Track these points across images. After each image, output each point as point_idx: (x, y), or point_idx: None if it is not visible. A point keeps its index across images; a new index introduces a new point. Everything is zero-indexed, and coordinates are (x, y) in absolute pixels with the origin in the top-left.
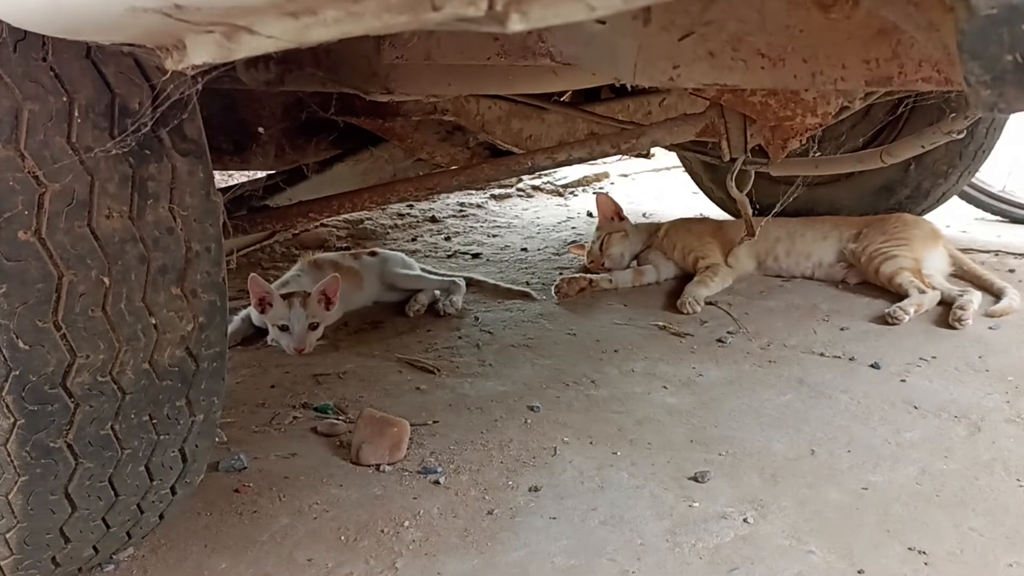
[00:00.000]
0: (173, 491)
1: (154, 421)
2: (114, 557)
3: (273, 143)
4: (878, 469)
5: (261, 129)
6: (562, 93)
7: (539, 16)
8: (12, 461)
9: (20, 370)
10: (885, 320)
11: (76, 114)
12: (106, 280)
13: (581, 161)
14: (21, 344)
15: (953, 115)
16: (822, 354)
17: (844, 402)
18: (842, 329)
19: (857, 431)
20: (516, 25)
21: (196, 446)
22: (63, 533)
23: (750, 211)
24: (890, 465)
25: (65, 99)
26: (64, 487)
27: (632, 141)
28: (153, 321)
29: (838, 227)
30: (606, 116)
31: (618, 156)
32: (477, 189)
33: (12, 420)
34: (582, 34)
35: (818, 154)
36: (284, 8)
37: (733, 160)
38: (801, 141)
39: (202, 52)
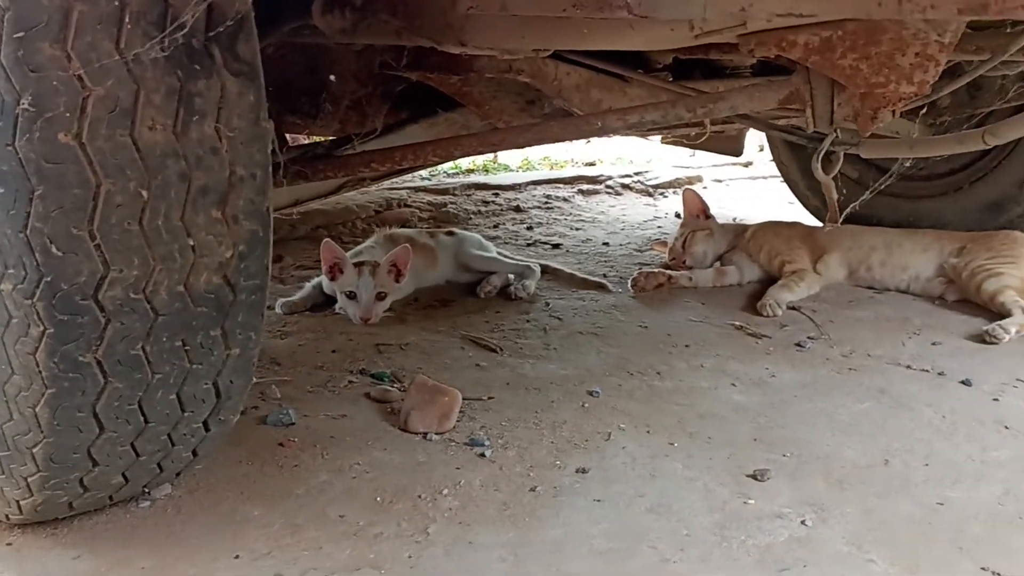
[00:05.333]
0: (206, 427)
1: (187, 348)
2: (150, 494)
3: (353, 108)
4: (957, 485)
5: (332, 77)
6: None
7: None
8: (40, 372)
9: (52, 277)
10: (983, 338)
11: (127, 19)
12: (144, 193)
13: (655, 125)
14: (54, 250)
15: None
16: (909, 366)
17: (928, 415)
18: (934, 344)
19: (939, 445)
20: None
21: (231, 382)
22: (90, 454)
23: (835, 195)
24: (971, 482)
25: (116, 3)
26: (92, 405)
27: (709, 106)
28: (190, 242)
29: (940, 240)
30: (691, 88)
31: (712, 161)
32: (564, 183)
33: (42, 328)
34: None
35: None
36: None
37: (820, 140)
38: (894, 112)
39: None
